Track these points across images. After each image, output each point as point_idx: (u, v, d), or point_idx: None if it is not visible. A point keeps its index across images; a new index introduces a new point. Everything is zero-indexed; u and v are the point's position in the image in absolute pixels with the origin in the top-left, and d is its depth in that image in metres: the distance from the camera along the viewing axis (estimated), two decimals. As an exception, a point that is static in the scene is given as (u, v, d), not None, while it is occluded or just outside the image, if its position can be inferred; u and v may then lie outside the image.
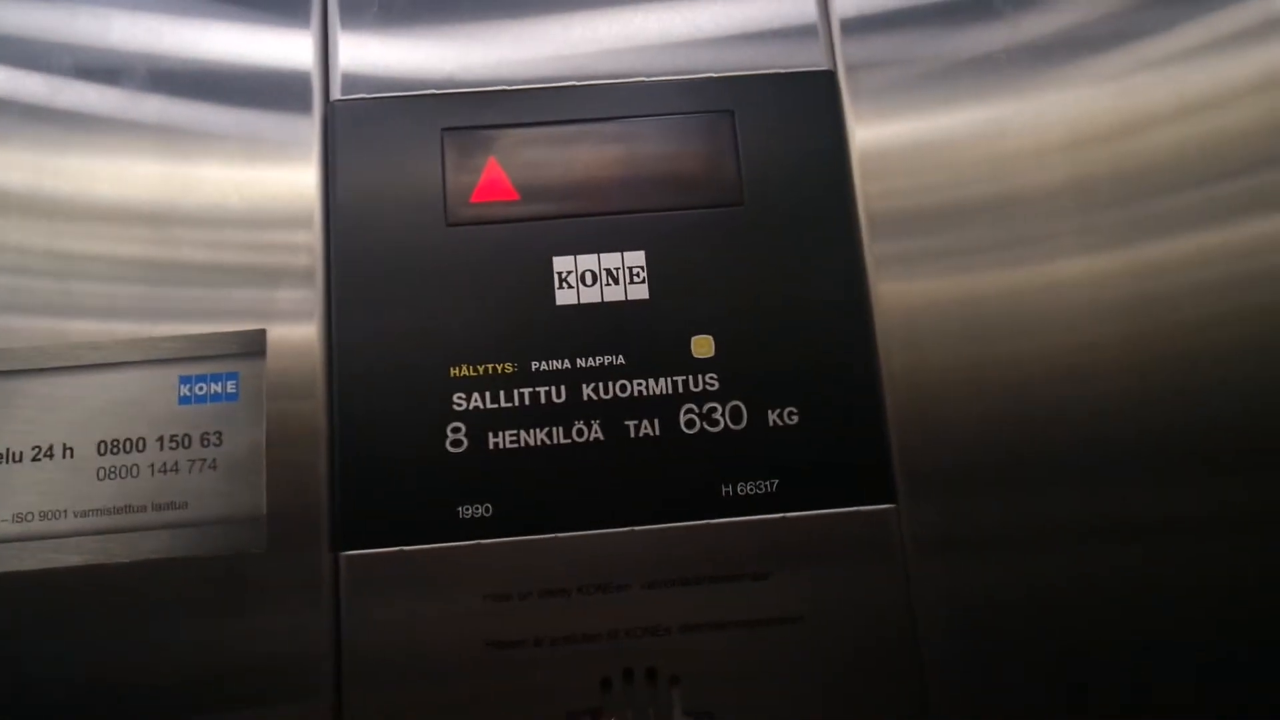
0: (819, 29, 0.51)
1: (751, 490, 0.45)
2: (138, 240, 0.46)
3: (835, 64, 0.50)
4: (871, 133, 0.49)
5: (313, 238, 0.47)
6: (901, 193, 0.48)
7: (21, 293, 0.46)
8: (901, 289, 0.47)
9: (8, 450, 0.44)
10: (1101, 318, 0.47)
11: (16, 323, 0.45)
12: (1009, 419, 0.46)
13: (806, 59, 0.50)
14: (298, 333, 0.46)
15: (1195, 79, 0.50)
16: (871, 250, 0.47)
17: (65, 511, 0.44)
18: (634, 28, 0.50)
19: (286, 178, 0.48)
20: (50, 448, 0.44)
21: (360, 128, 0.48)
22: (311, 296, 0.46)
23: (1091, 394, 0.46)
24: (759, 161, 0.48)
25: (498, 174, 0.47)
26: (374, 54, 0.49)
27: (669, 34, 0.50)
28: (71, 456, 0.44)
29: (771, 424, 0.45)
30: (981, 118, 0.49)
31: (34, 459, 0.44)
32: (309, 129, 0.48)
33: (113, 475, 0.44)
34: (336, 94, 0.49)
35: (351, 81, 0.49)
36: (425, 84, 0.49)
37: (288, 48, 0.49)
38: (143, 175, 0.47)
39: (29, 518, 0.44)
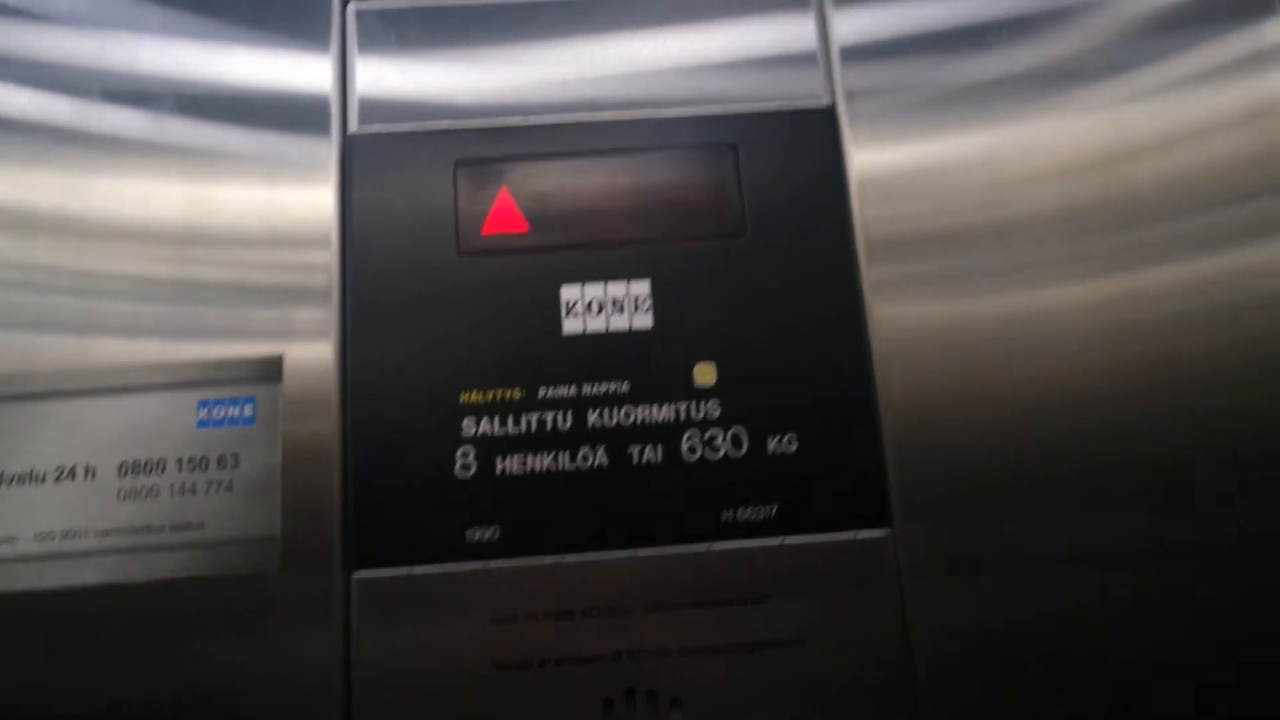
0: (819, 58, 0.52)
1: (751, 516, 0.46)
2: (161, 260, 0.48)
3: (835, 93, 0.51)
4: (869, 159, 0.50)
5: (330, 261, 0.48)
6: (898, 218, 0.49)
7: (49, 311, 0.47)
8: (898, 312, 0.48)
9: (32, 471, 0.46)
10: (1095, 344, 0.48)
11: (44, 340, 0.47)
12: (1003, 444, 0.47)
13: (808, 92, 0.51)
14: (313, 357, 0.47)
15: (1183, 110, 0.51)
16: (869, 274, 0.49)
17: (86, 531, 0.45)
18: (642, 63, 0.52)
19: (305, 201, 0.49)
20: (73, 469, 0.46)
21: (376, 159, 0.50)
22: (328, 319, 0.47)
23: (1085, 420, 0.47)
24: (761, 194, 0.49)
25: (508, 205, 0.49)
26: (391, 83, 0.51)
27: (676, 69, 0.52)
28: (93, 478, 0.46)
29: (771, 451, 0.46)
30: (975, 145, 0.50)
31: (57, 479, 0.46)
32: (328, 153, 0.50)
33: (133, 496, 0.45)
34: (354, 123, 0.50)
35: (369, 110, 0.50)
36: (441, 112, 0.51)
37: (308, 74, 0.51)
38: (167, 197, 0.49)
39: (51, 537, 0.45)
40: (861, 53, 0.52)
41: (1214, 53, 0.52)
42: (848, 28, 0.53)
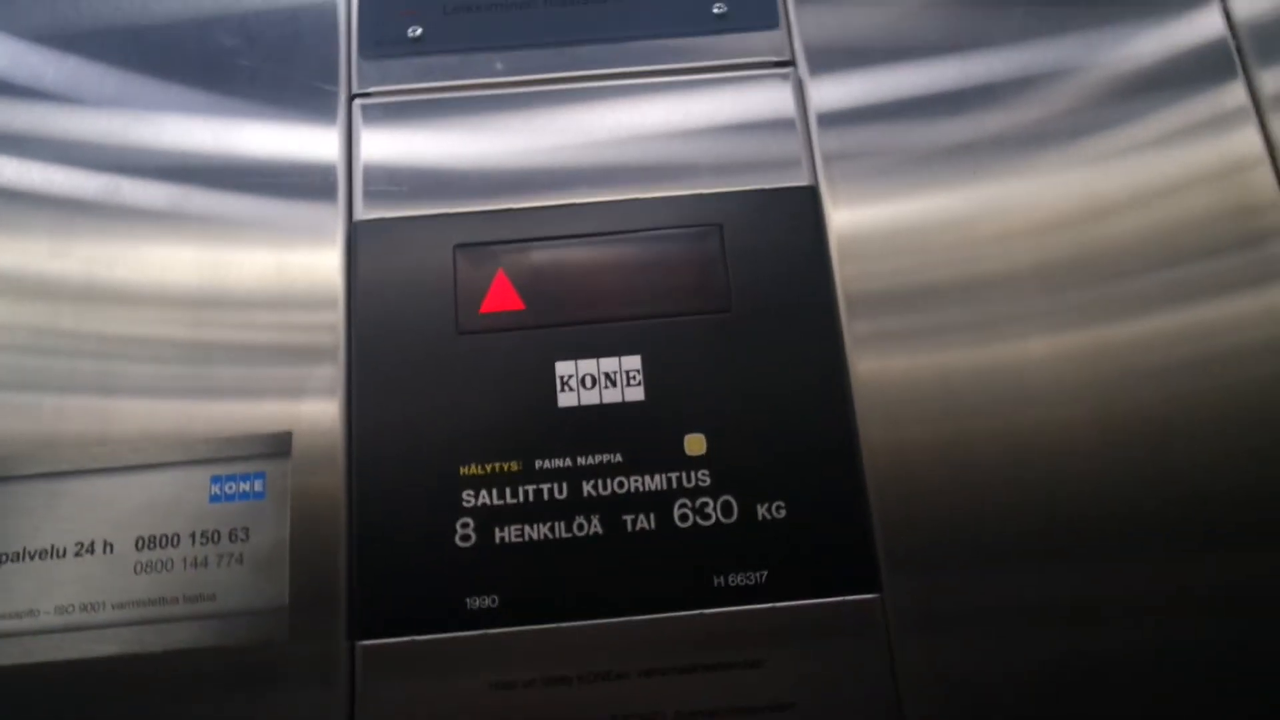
0: (797, 125, 0.55)
1: (743, 581, 0.47)
2: (178, 323, 0.51)
3: (814, 158, 0.54)
4: (848, 219, 0.53)
5: (337, 331, 0.51)
6: (876, 275, 0.52)
7: (73, 375, 0.50)
8: (878, 366, 0.50)
9: (52, 546, 0.48)
10: (1070, 397, 0.50)
11: (69, 402, 0.50)
12: (985, 496, 0.48)
13: (788, 157, 0.54)
14: (320, 433, 0.49)
15: (1152, 169, 0.53)
16: (849, 331, 0.51)
17: (104, 604, 0.47)
18: (631, 145, 0.55)
19: (313, 270, 0.52)
20: (92, 544, 0.48)
21: (380, 241, 0.52)
22: (334, 389, 0.50)
23: (1061, 471, 0.49)
24: (745, 270, 0.52)
25: (505, 286, 0.51)
26: (393, 167, 0.54)
27: (663, 149, 0.55)
28: (111, 552, 0.48)
29: (761, 517, 0.48)
30: (951, 205, 0.53)
31: (76, 554, 0.48)
32: (334, 225, 0.53)
33: (149, 570, 0.47)
34: (359, 204, 0.53)
35: (373, 193, 0.53)
36: (441, 193, 0.54)
37: (317, 153, 0.54)
38: (184, 264, 0.52)
39: (70, 610, 0.47)
40: (839, 119, 0.55)
41: (1180, 114, 0.54)
42: (825, 96, 0.56)
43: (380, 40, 0.57)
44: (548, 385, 0.50)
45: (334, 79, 0.56)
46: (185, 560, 0.48)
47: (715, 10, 0.57)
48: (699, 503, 0.48)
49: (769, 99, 0.56)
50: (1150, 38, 0.56)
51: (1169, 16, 0.57)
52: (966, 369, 0.50)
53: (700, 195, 0.53)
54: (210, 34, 0.57)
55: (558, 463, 0.49)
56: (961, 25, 0.57)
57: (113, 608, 0.47)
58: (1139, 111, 0.55)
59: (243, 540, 0.48)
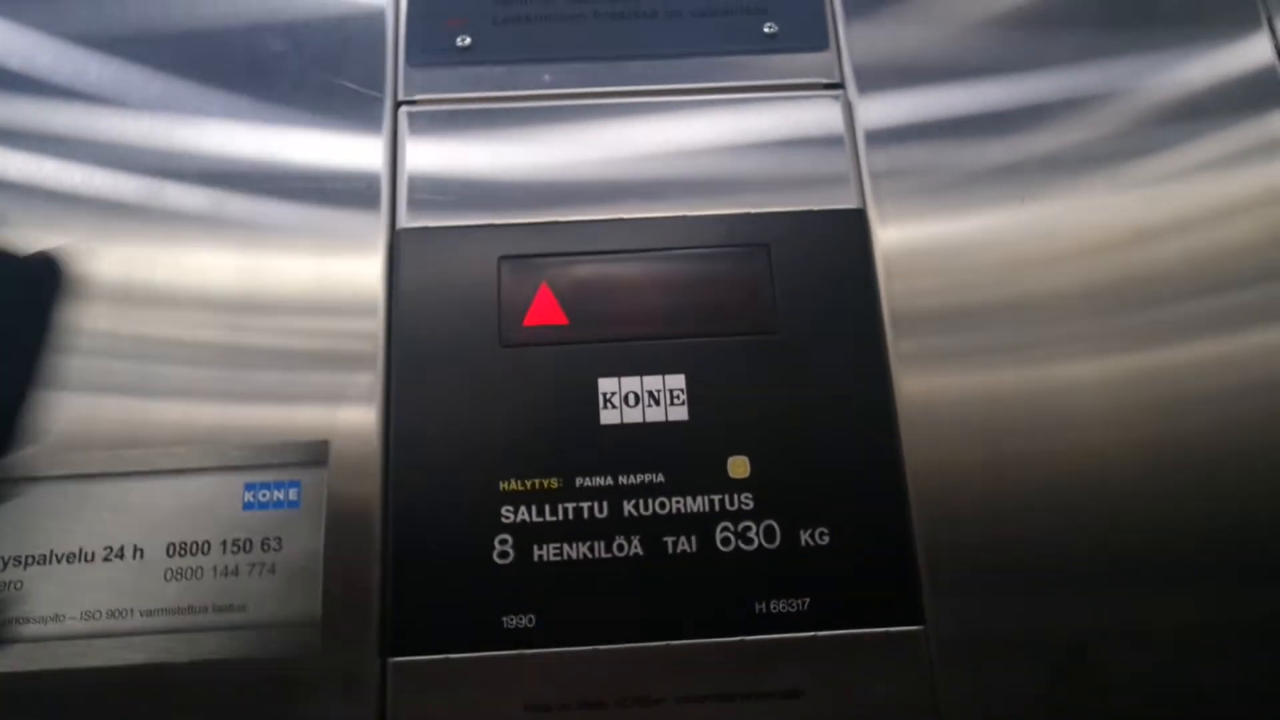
0: (845, 144, 0.55)
1: (784, 608, 0.46)
2: (216, 326, 0.50)
3: (861, 177, 0.53)
4: (895, 238, 0.52)
5: (376, 338, 0.50)
6: (922, 294, 0.51)
7: (109, 374, 0.49)
8: (925, 388, 0.50)
9: (80, 550, 0.47)
10: (1115, 422, 0.49)
11: (105, 402, 0.49)
12: (1030, 525, 0.48)
13: (836, 176, 0.54)
14: (357, 442, 0.48)
15: (1200, 194, 0.53)
16: (896, 351, 0.50)
17: (132, 610, 0.46)
18: (679, 160, 0.54)
19: (354, 277, 0.51)
20: (121, 549, 0.47)
21: (423, 251, 0.52)
22: (372, 398, 0.49)
23: (1107, 497, 0.48)
24: (792, 291, 0.51)
25: (549, 299, 0.51)
26: (439, 177, 0.54)
27: (711, 165, 0.54)
28: (142, 558, 0.47)
29: (804, 544, 0.47)
30: (998, 226, 0.52)
31: (105, 559, 0.47)
32: (377, 232, 0.52)
33: (179, 577, 0.46)
34: (403, 212, 0.53)
35: (417, 201, 0.53)
36: (485, 204, 0.53)
37: (361, 160, 0.54)
38: (223, 268, 0.51)
39: (97, 615, 0.46)
40: (887, 139, 0.55)
41: (1228, 141, 0.54)
42: (873, 116, 0.55)
43: (428, 49, 0.57)
44: (590, 402, 0.49)
45: (380, 86, 0.56)
46: (216, 569, 0.47)
47: (766, 30, 0.57)
48: (741, 526, 0.47)
49: (818, 119, 0.55)
50: (1199, 63, 0.56)
51: (1218, 43, 0.57)
52: (1012, 391, 0.49)
53: (748, 214, 0.53)
54: (257, 39, 0.57)
55: (599, 481, 0.48)
56: (1010, 47, 0.57)
57: (141, 615, 0.46)
58: (1187, 137, 0.54)
59: (275, 550, 0.47)
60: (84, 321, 0.50)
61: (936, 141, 0.54)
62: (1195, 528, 0.48)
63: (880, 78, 0.56)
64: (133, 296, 0.51)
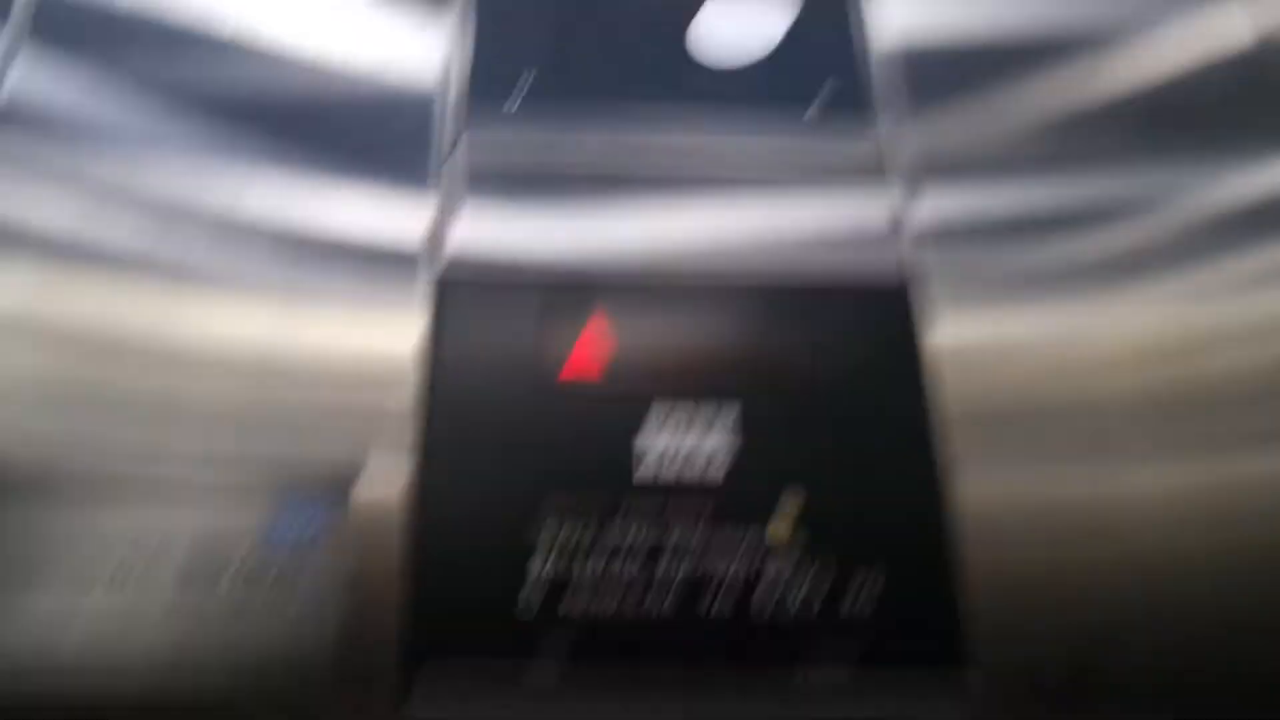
0: (890, 234, 0.55)
1: (825, 676, 0.44)
2: (242, 383, 0.49)
3: (909, 274, 0.54)
4: (943, 333, 0.52)
5: (408, 394, 0.49)
6: (974, 393, 0.50)
7: (126, 398, 0.48)
8: (981, 486, 0.48)
9: (84, 576, 0.45)
10: (1179, 529, 0.48)
11: (118, 426, 0.48)
12: (1088, 626, 0.46)
13: (882, 266, 0.54)
14: (383, 484, 0.47)
15: (1257, 305, 0.53)
16: (949, 447, 0.49)
17: (135, 641, 0.44)
18: (724, 232, 0.55)
19: (389, 335, 0.51)
20: (127, 577, 0.45)
21: (464, 304, 0.52)
22: (401, 448, 0.48)
23: (1171, 604, 0.46)
24: (835, 362, 0.51)
25: (587, 355, 0.51)
26: (482, 234, 0.54)
27: (757, 241, 0.55)
28: (148, 587, 0.44)
29: (846, 611, 0.45)
30: (1054, 326, 0.52)
31: (109, 587, 0.45)
32: (415, 290, 0.52)
33: (186, 609, 0.44)
34: (443, 262, 0.53)
35: (459, 258, 0.53)
36: (526, 262, 0.53)
37: (403, 217, 0.54)
38: (253, 323, 0.51)
39: (98, 645, 0.44)
40: (934, 231, 0.55)
41: None
42: (920, 208, 0.56)
43: (474, 113, 0.58)
44: (625, 458, 0.48)
45: (426, 149, 0.57)
46: (227, 602, 0.44)
47: (811, 115, 0.59)
48: (780, 590, 0.46)
49: (868, 208, 0.56)
50: (1257, 172, 0.56)
51: (1277, 152, 0.57)
52: (1072, 494, 0.48)
53: (792, 286, 0.53)
54: (305, 97, 0.58)
55: (632, 538, 0.47)
56: (1064, 144, 0.58)
57: (144, 646, 0.43)
58: (1249, 241, 0.54)
59: (290, 587, 0.45)
60: (103, 374, 0.49)
61: (983, 237, 0.55)
62: (1262, 641, 0.46)
63: (927, 169, 0.57)
64: (154, 350, 0.50)
